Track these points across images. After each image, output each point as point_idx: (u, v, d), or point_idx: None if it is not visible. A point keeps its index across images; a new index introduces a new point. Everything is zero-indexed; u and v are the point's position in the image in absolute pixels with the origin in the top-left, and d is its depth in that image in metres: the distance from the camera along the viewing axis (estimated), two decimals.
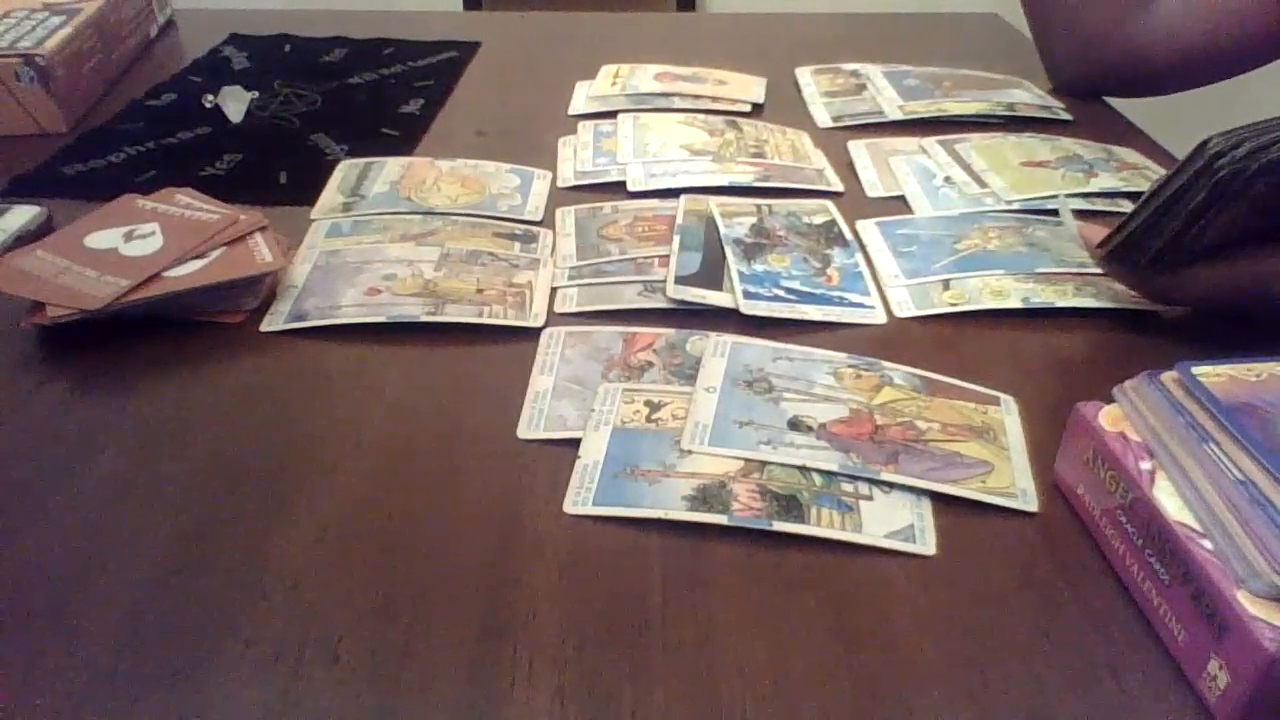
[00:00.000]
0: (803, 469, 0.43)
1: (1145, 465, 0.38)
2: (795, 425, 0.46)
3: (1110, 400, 0.42)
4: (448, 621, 0.37)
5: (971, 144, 0.73)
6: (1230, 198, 0.46)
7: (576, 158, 0.73)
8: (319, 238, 0.61)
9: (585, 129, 0.77)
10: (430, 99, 0.83)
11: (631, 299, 0.56)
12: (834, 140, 0.76)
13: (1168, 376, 0.40)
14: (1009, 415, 0.48)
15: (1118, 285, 0.56)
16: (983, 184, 0.68)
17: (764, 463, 0.44)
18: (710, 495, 0.42)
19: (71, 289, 0.52)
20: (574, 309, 0.55)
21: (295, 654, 0.36)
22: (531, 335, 0.53)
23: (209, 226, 0.56)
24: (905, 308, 0.56)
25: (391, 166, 0.70)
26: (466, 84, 0.88)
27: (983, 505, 0.42)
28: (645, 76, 0.85)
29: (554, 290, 0.57)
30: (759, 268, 0.58)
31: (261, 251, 0.55)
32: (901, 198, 0.68)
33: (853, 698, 0.35)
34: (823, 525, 0.41)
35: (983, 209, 0.65)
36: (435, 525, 0.42)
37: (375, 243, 0.60)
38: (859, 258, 0.60)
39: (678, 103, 0.81)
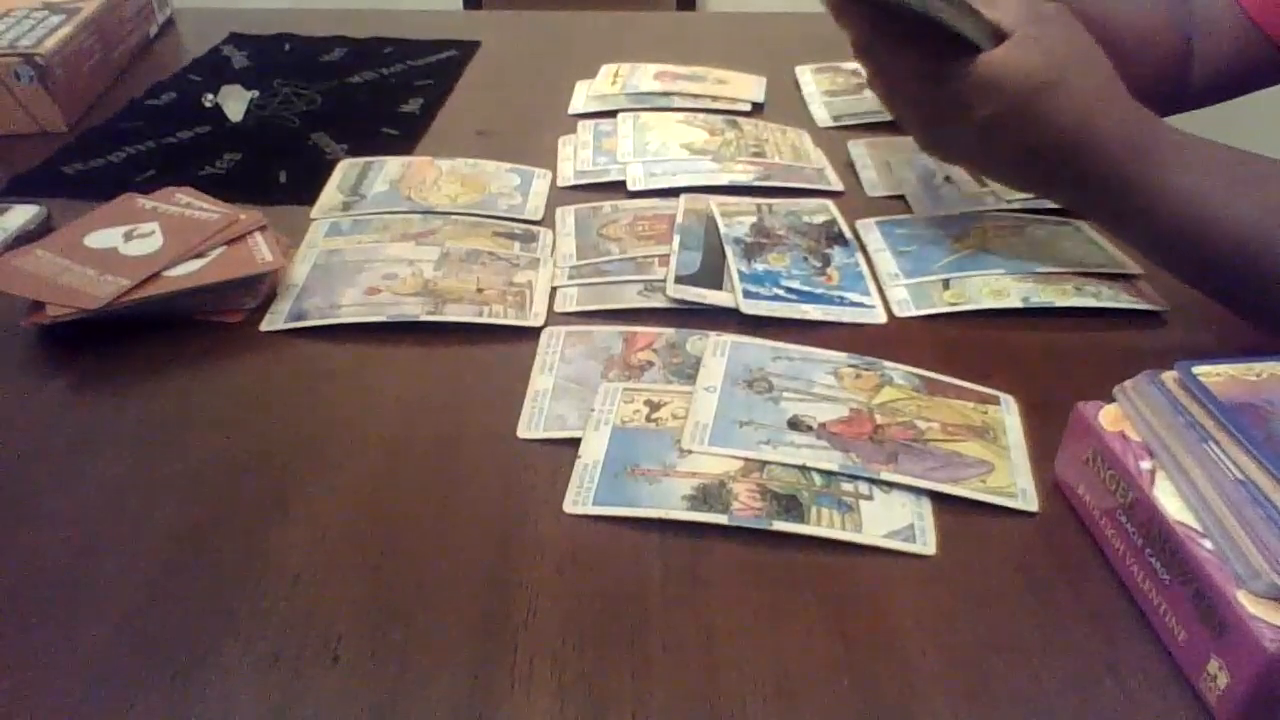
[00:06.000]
0: (803, 469, 0.43)
1: (1145, 465, 0.38)
2: (795, 425, 0.46)
3: (1110, 400, 0.42)
4: (447, 621, 0.37)
5: None
6: None
7: (576, 157, 0.73)
8: (319, 237, 0.61)
9: (585, 128, 0.77)
10: (430, 99, 0.83)
11: (631, 298, 0.56)
12: (834, 140, 0.76)
13: (1168, 376, 0.40)
14: (1009, 415, 0.48)
15: (1117, 286, 0.56)
16: (983, 183, 0.68)
17: (764, 462, 0.44)
18: (710, 495, 0.42)
19: (71, 288, 0.51)
20: (574, 308, 0.55)
21: (295, 654, 0.36)
22: (531, 335, 0.53)
23: (209, 226, 0.56)
24: (905, 307, 0.56)
25: (391, 166, 0.70)
26: (466, 84, 0.87)
27: (983, 505, 0.42)
28: (645, 76, 0.85)
29: (554, 290, 0.57)
30: (759, 267, 0.58)
31: (261, 251, 0.55)
32: (901, 197, 0.68)
33: (853, 698, 0.35)
34: (823, 525, 0.41)
35: (983, 208, 0.65)
36: (435, 525, 0.42)
37: (375, 242, 0.60)
38: (859, 257, 0.60)
39: (678, 102, 0.81)
